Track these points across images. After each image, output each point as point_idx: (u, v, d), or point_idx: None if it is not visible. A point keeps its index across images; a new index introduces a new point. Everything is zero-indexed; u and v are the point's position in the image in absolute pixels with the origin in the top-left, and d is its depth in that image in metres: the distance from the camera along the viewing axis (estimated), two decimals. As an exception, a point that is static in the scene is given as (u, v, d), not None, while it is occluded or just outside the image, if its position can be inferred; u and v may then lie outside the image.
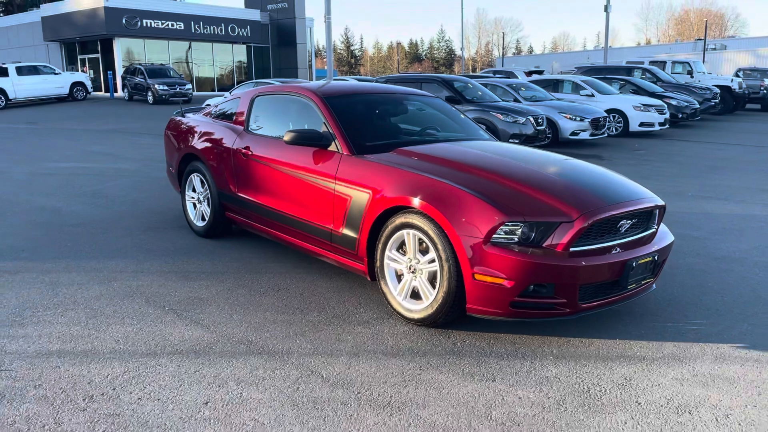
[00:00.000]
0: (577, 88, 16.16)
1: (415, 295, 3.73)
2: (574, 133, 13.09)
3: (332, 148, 4.23)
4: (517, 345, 3.48)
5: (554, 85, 16.61)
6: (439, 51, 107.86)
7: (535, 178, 3.67)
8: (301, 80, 21.89)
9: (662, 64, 22.85)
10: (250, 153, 4.85)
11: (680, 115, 17.14)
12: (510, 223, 3.30)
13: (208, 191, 5.39)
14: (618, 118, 15.19)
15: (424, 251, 3.63)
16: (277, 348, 3.36)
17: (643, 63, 23.06)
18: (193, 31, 34.58)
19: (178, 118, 6.09)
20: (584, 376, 3.13)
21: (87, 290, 4.18)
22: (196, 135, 5.58)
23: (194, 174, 5.56)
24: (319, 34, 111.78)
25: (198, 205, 5.60)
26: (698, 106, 17.88)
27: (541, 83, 16.53)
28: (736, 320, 3.89)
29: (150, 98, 26.39)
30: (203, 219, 5.53)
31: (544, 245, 3.33)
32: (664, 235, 3.92)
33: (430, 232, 3.49)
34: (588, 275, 3.33)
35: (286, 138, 4.24)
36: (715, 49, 50.01)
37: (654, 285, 3.92)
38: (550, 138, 12.96)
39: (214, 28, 35.28)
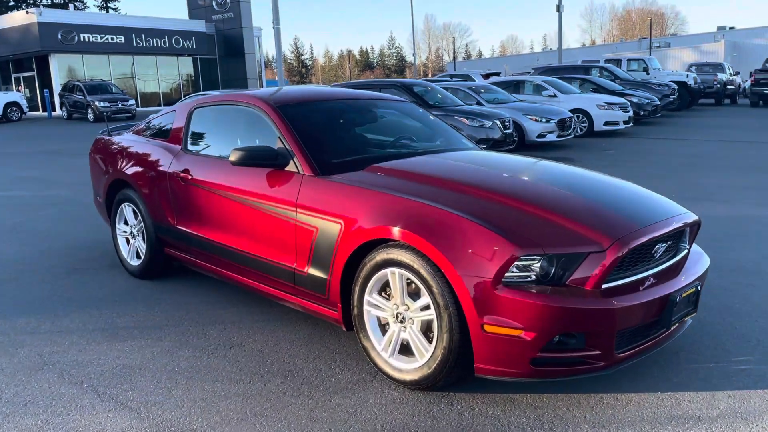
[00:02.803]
0: (538, 88, 15.70)
1: (404, 348, 2.96)
2: (540, 135, 12.56)
3: (290, 167, 3.43)
4: (540, 410, 2.74)
5: (515, 87, 16.11)
6: (390, 58, 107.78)
7: (548, 198, 2.95)
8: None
9: (618, 62, 22.72)
10: (189, 177, 4.00)
11: (642, 113, 16.87)
12: (525, 257, 2.57)
13: (142, 224, 4.51)
14: (582, 118, 14.77)
15: (415, 294, 2.87)
16: (231, 439, 2.54)
17: (598, 62, 22.89)
18: (134, 44, 33.16)
19: (105, 137, 5.19)
20: (635, 454, 2.41)
21: (-17, 364, 3.27)
22: (125, 157, 4.70)
23: (125, 203, 4.67)
24: (267, 45, 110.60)
25: (132, 240, 4.71)
26: (658, 102, 17.68)
27: (501, 85, 16.01)
28: (788, 354, 3.24)
29: (90, 116, 25.02)
30: (138, 256, 4.64)
31: (567, 283, 2.61)
32: (699, 257, 3.25)
33: (422, 272, 2.73)
34: (627, 318, 2.62)
35: (233, 158, 3.43)
36: (659, 47, 51.03)
37: (690, 319, 3.24)
38: (516, 141, 12.39)
39: (157, 41, 33.92)
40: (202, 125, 4.24)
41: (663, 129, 16.54)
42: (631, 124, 15.37)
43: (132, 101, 26.28)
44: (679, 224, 2.96)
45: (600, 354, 2.62)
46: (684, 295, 2.84)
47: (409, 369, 2.88)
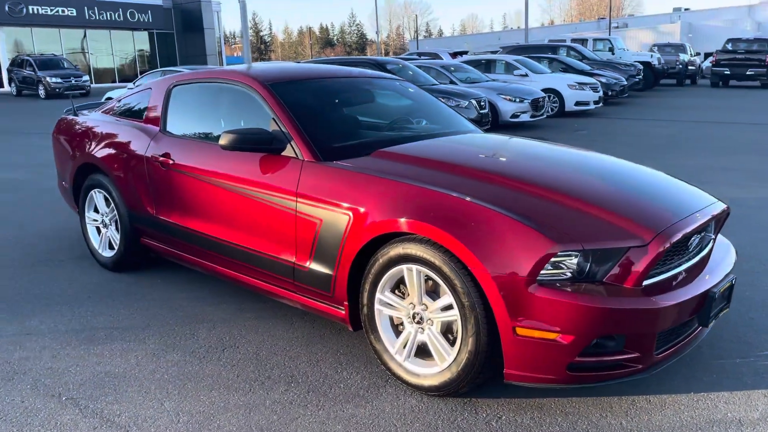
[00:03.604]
0: (510, 67, 15.52)
1: (420, 351, 2.72)
2: (514, 116, 12.40)
3: (288, 152, 3.12)
4: (572, 417, 2.54)
5: (486, 66, 15.90)
6: (351, 35, 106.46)
7: (580, 187, 2.72)
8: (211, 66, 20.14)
9: (583, 41, 22.72)
10: (170, 162, 3.65)
11: (610, 93, 16.88)
12: (563, 253, 2.34)
13: (115, 212, 4.13)
14: (553, 97, 14.67)
15: (432, 292, 2.63)
16: (239, 460, 2.27)
17: (564, 41, 22.87)
18: (87, 17, 31.77)
19: (70, 117, 4.76)
20: (683, 466, 2.23)
21: (-58, 375, 2.90)
22: (95, 139, 4.30)
23: (96, 190, 4.28)
24: (227, 19, 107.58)
25: (103, 230, 4.32)
26: (626, 82, 17.74)
27: (472, 63, 15.77)
28: (812, 347, 3.12)
29: (42, 92, 23.90)
30: (111, 247, 4.27)
31: (604, 280, 2.40)
32: (727, 248, 3.08)
33: (445, 269, 2.48)
34: (669, 317, 2.42)
35: (224, 141, 3.10)
36: (617, 27, 51.54)
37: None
38: (490, 121, 12.21)
39: (111, 14, 32.57)
40: (182, 105, 3.87)
41: (631, 109, 16.60)
42: (601, 104, 15.36)
43: (86, 77, 25.19)
44: (712, 214, 2.78)
45: (639, 356, 2.42)
46: (722, 290, 2.66)
47: (428, 374, 2.64)
